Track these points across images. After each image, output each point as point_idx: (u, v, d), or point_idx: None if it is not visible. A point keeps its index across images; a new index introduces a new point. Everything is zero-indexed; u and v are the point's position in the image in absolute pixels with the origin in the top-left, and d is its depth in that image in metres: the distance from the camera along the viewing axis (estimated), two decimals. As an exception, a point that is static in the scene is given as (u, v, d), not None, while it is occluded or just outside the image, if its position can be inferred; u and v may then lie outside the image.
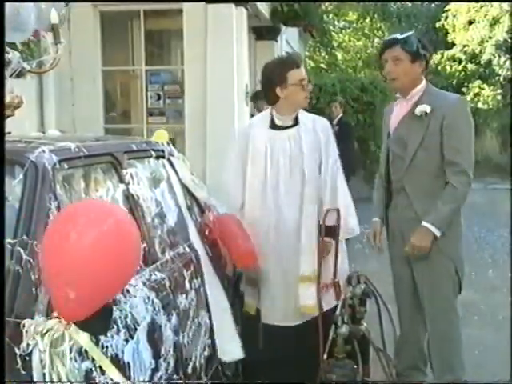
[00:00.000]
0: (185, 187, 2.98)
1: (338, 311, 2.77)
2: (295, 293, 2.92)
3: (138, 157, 2.63)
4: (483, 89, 17.01)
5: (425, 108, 2.73)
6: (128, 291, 2.07)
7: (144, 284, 2.19)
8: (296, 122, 3.02)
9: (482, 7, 15.92)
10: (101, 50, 6.67)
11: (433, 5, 20.36)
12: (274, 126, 3.01)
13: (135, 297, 2.08)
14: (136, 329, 1.99)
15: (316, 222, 2.94)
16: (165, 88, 7.07)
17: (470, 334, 4.02)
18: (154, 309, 2.17)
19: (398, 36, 2.83)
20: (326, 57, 18.68)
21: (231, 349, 2.72)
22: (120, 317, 1.92)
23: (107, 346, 1.75)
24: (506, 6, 15.02)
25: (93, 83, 6.59)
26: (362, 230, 8.24)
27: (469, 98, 17.56)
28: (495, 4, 15.39)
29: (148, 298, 2.16)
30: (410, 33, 2.82)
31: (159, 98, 7.07)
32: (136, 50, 7.12)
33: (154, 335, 2.11)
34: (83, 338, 1.44)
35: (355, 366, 2.69)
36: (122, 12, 6.84)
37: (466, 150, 2.74)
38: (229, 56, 6.35)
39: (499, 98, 16.27)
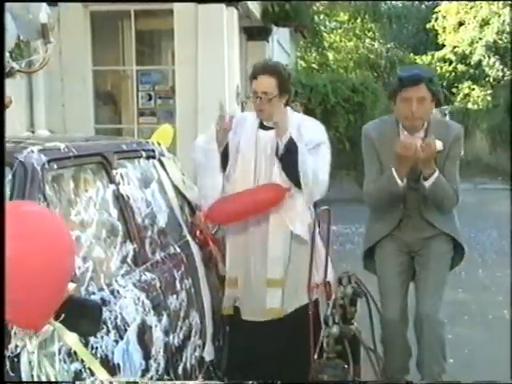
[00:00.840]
0: (175, 188, 2.97)
1: (328, 311, 2.78)
2: (263, 295, 2.86)
3: (129, 157, 2.62)
4: (473, 89, 17.12)
5: (439, 145, 2.72)
6: (118, 292, 2.06)
7: (134, 285, 2.18)
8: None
9: (471, 8, 16.02)
10: (91, 50, 6.65)
11: (423, 6, 20.48)
12: (261, 125, 2.96)
13: (125, 298, 2.07)
14: (126, 330, 1.98)
15: (284, 228, 2.84)
16: (156, 88, 7.06)
17: (460, 334, 4.05)
18: (144, 309, 2.17)
19: (422, 73, 2.75)
20: (317, 57, 18.71)
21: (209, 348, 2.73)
22: (110, 318, 1.91)
23: (97, 347, 1.74)
24: (495, 7, 15.13)
25: (83, 83, 6.56)
26: (354, 230, 8.25)
27: (459, 98, 17.69)
28: (485, 5, 15.50)
29: (138, 298, 2.15)
30: (432, 71, 2.76)
31: (150, 99, 7.06)
32: (127, 50, 7.10)
33: (144, 336, 2.10)
34: (72, 339, 1.43)
35: (346, 366, 2.70)
36: (113, 12, 6.82)
37: (458, 175, 2.88)
38: (220, 56, 6.35)
39: (489, 98, 16.38)
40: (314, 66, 18.19)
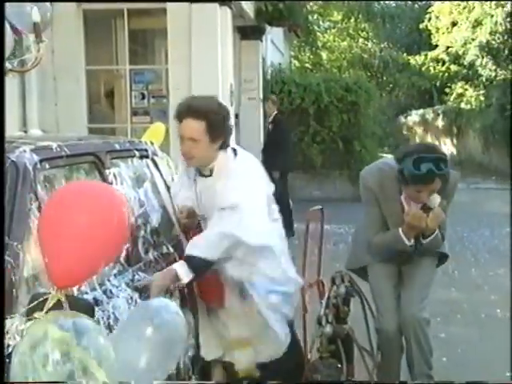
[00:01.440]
0: (168, 187, 2.96)
1: (321, 311, 2.78)
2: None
3: (121, 156, 2.61)
4: (466, 90, 17.18)
5: (438, 199, 2.75)
6: (111, 292, 2.05)
7: (127, 284, 2.18)
8: (210, 173, 2.55)
9: (464, 8, 16.08)
10: (84, 49, 6.62)
11: (416, 6, 20.54)
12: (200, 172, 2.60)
13: (118, 297, 2.06)
14: (119, 330, 1.98)
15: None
16: (149, 87, 7.04)
17: (453, 332, 4.07)
18: (138, 309, 2.16)
19: (437, 170, 2.66)
20: (311, 57, 18.74)
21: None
22: (102, 317, 1.90)
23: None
24: (487, 7, 15.19)
25: (76, 82, 6.54)
26: (347, 230, 8.27)
27: (452, 98, 17.75)
28: (477, 5, 15.56)
29: (131, 298, 2.14)
30: (449, 168, 2.69)
31: (143, 98, 7.04)
32: (120, 49, 7.08)
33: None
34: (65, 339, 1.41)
35: (339, 366, 2.70)
36: (106, 11, 6.79)
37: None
38: (213, 55, 6.34)
39: (482, 98, 16.45)
40: (307, 65, 18.22)
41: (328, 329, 2.69)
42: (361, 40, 20.36)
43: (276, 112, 7.55)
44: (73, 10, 6.38)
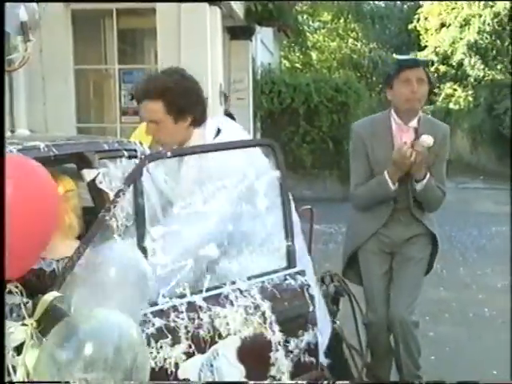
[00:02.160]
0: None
1: (311, 310, 2.78)
2: None
3: (110, 156, 2.59)
4: (455, 90, 17.30)
5: (430, 140, 2.76)
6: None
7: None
8: None
9: (453, 9, 16.19)
10: (73, 49, 6.59)
11: (405, 6, 20.64)
12: None
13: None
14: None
15: None
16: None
17: (442, 331, 4.09)
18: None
19: (417, 59, 2.92)
20: (301, 57, 18.77)
21: None
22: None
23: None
24: (476, 7, 15.31)
25: (65, 82, 6.50)
26: (337, 230, 8.28)
27: (441, 98, 17.87)
28: (466, 6, 15.67)
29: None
30: (425, 60, 2.86)
31: (133, 98, 6.98)
32: (109, 48, 7.05)
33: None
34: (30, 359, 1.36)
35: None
36: (95, 11, 6.76)
37: (444, 174, 2.96)
38: (203, 56, 6.33)
39: (470, 99, 16.58)
40: (297, 65, 18.24)
41: (317, 328, 2.69)
42: (350, 40, 20.41)
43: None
44: (61, 10, 6.34)
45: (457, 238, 7.42)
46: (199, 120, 2.31)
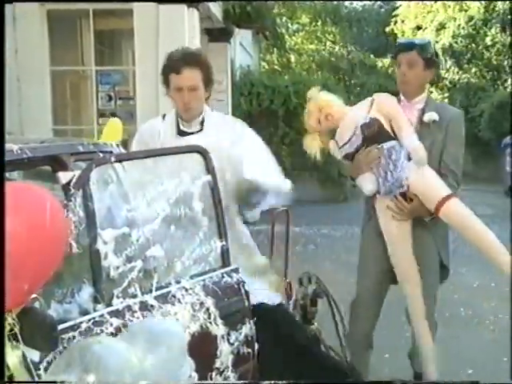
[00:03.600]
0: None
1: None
2: None
3: (85, 159, 2.56)
4: (431, 92, 17.51)
5: (433, 116, 2.80)
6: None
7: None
8: (201, 128, 2.64)
9: (429, 13, 16.39)
10: (49, 50, 6.50)
11: (382, 10, 20.84)
12: (179, 131, 2.66)
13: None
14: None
15: None
16: (116, 89, 6.96)
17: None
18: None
19: (415, 41, 2.95)
20: (280, 59, 18.83)
21: None
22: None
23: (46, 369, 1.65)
24: (451, 11, 15.52)
25: (41, 83, 6.42)
26: (316, 231, 8.28)
27: (418, 100, 18.01)
28: (441, 9, 15.89)
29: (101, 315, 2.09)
30: (426, 39, 2.91)
31: (110, 99, 6.95)
32: (86, 49, 6.99)
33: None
34: (13, 360, 1.33)
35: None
36: (71, 11, 6.69)
37: (461, 161, 2.91)
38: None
39: (446, 101, 16.79)
40: (276, 67, 18.29)
41: (295, 330, 2.70)
42: (328, 43, 20.55)
43: None
44: (37, 10, 6.26)
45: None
46: (209, 95, 2.67)
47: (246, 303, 2.30)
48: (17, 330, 1.35)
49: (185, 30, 6.34)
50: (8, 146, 2.00)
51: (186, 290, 2.06)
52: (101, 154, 2.72)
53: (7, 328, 1.36)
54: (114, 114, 7.02)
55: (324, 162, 11.50)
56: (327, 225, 8.31)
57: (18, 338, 1.35)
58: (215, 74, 7.50)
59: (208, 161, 2.23)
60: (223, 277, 2.24)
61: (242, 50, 11.05)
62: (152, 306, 1.94)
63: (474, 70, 15.83)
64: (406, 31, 17.35)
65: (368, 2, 20.64)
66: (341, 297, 3.02)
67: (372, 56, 20.02)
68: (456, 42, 15.30)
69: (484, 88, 15.60)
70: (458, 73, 15.82)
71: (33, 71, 6.25)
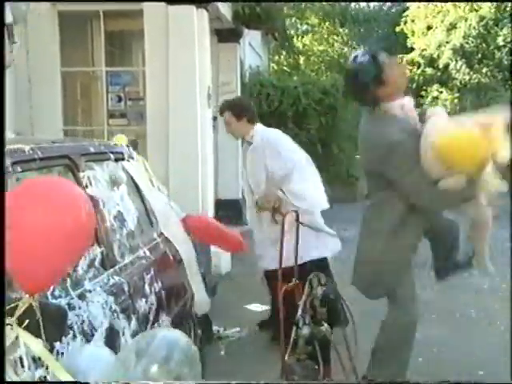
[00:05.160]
0: (145, 190, 2.95)
1: (299, 313, 2.79)
2: None
3: (96, 159, 2.59)
4: (441, 92, 17.39)
5: None
6: (85, 296, 2.03)
7: (102, 288, 2.16)
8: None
9: (439, 13, 16.29)
10: (60, 51, 6.53)
11: (393, 10, 20.75)
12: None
13: (92, 302, 2.04)
14: (93, 334, 1.96)
15: None
16: (126, 89, 6.98)
17: (428, 333, 4.11)
18: (113, 314, 2.14)
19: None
20: (289, 60, 18.80)
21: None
22: (76, 322, 1.88)
23: (62, 353, 1.71)
24: (461, 11, 15.42)
25: (51, 84, 6.45)
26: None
27: (427, 101, 17.96)
28: (452, 9, 15.78)
29: (106, 302, 2.12)
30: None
31: (120, 100, 6.97)
32: (96, 50, 7.01)
33: (112, 340, 2.08)
34: (36, 345, 1.40)
35: (316, 367, 2.71)
36: (82, 12, 6.71)
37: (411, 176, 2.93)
38: (191, 58, 6.31)
39: (456, 101, 16.68)
40: (285, 68, 18.28)
41: (305, 330, 2.70)
42: (337, 44, 20.49)
43: None
44: (47, 11, 6.29)
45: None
46: (252, 119, 4.10)
47: None
48: (39, 316, 1.38)
49: (194, 30, 6.34)
50: (20, 146, 2.02)
51: None
52: (111, 155, 2.75)
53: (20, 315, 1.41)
54: (123, 115, 7.05)
55: (332, 163, 11.53)
56: (336, 225, 8.28)
57: (39, 325, 1.38)
58: (224, 74, 7.82)
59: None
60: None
61: (251, 51, 11.04)
62: None
63: (484, 70, 15.71)
64: (416, 31, 17.25)
65: (377, 3, 20.56)
66: (350, 298, 3.02)
67: (382, 56, 19.91)
68: (467, 42, 15.19)
69: (495, 88, 15.47)
70: (468, 73, 15.71)
71: (44, 72, 6.28)
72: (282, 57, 18.87)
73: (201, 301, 3.13)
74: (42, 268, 1.46)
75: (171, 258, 2.96)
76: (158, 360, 1.38)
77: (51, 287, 1.70)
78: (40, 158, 2.04)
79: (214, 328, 4.13)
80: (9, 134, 2.56)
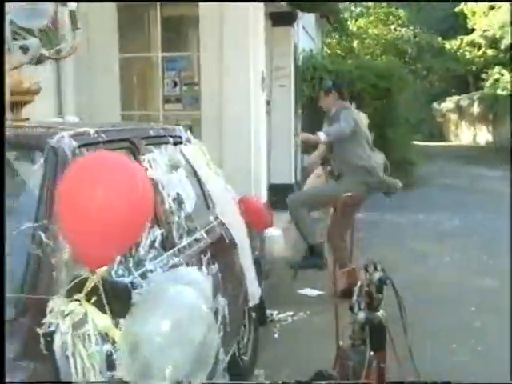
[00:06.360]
0: (202, 173, 2.99)
1: (354, 298, 2.77)
2: None
3: (156, 143, 2.64)
4: (503, 75, 16.73)
5: None
6: (146, 276, 2.09)
7: (162, 269, 2.21)
8: None
9: (502, -8, 15.61)
10: (118, 37, 6.67)
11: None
12: None
13: (153, 282, 2.09)
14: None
15: None
16: (181, 74, 7.06)
17: (487, 321, 3.98)
18: (172, 293, 2.18)
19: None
20: (343, 43, 18.51)
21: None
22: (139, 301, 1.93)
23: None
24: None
25: (110, 70, 6.61)
26: (379, 218, 8.14)
27: (488, 84, 17.30)
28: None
29: (166, 282, 2.17)
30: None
31: (175, 85, 7.06)
32: (153, 36, 7.11)
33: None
34: (104, 321, 1.46)
35: (372, 353, 2.69)
36: (139, -1, 6.82)
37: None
38: (245, 42, 6.31)
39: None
40: (339, 52, 18.01)
41: (361, 316, 2.68)
42: (393, 26, 19.98)
43: None
44: (107, -1, 6.42)
45: (503, 227, 7.23)
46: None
47: None
48: (102, 292, 1.43)
49: (249, 14, 6.33)
50: (85, 129, 2.09)
51: None
52: (170, 138, 2.80)
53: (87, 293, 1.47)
54: (179, 100, 7.14)
55: (387, 149, 11.34)
56: (391, 211, 8.17)
57: (102, 302, 1.43)
58: (278, 58, 7.91)
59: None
60: None
61: (304, 35, 10.93)
62: None
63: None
64: (477, 11, 16.61)
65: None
66: (403, 286, 2.97)
67: (440, 38, 19.32)
68: (532, 22, 14.52)
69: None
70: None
71: (103, 59, 6.44)
72: (335, 40, 18.59)
73: (253, 292, 3.13)
74: (102, 243, 1.50)
75: (227, 241, 3.00)
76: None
77: (113, 263, 1.74)
78: (104, 141, 2.10)
79: (268, 311, 4.16)
80: (74, 119, 2.64)
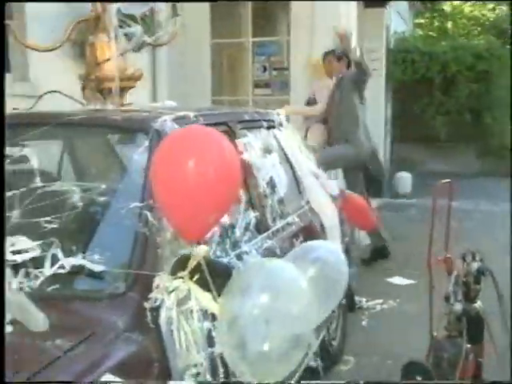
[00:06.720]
0: (295, 158, 3.00)
1: (450, 288, 2.68)
2: None
3: (250, 127, 2.67)
4: None
5: None
6: (242, 257, 2.13)
7: (257, 251, 2.25)
8: None
9: None
10: (210, 23, 6.79)
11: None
12: None
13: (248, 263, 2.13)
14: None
15: None
16: (271, 59, 7.08)
17: None
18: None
19: None
20: (436, 23, 17.73)
21: None
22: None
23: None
24: None
25: (202, 56, 6.75)
26: (474, 207, 7.80)
27: None
28: None
29: (260, 264, 2.20)
30: None
31: (265, 70, 7.10)
32: (243, 22, 7.17)
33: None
34: (206, 298, 1.51)
35: (468, 346, 2.60)
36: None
37: None
38: (336, 25, 6.21)
39: None
40: (431, 33, 17.28)
41: (457, 307, 2.59)
42: (493, 5, 18.84)
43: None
44: (199, -14, 6.53)
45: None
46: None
47: None
48: (206, 271, 1.48)
49: (340, -2, 6.23)
50: (185, 113, 2.16)
51: None
52: (264, 123, 2.83)
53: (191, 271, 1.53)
54: (268, 85, 7.18)
55: (483, 133, 10.72)
56: (486, 200, 7.79)
57: (203, 280, 1.49)
58: (370, 41, 7.73)
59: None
60: None
61: (396, 16, 10.58)
62: None
63: None
64: None
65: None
66: (498, 278, 2.83)
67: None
68: None
69: None
70: None
71: (195, 45, 6.59)
72: (428, 20, 17.84)
73: None
74: (196, 213, 1.54)
75: (318, 226, 2.99)
76: None
77: (209, 234, 1.77)
78: (203, 124, 2.16)
79: (356, 298, 4.12)
80: (172, 103, 2.73)
